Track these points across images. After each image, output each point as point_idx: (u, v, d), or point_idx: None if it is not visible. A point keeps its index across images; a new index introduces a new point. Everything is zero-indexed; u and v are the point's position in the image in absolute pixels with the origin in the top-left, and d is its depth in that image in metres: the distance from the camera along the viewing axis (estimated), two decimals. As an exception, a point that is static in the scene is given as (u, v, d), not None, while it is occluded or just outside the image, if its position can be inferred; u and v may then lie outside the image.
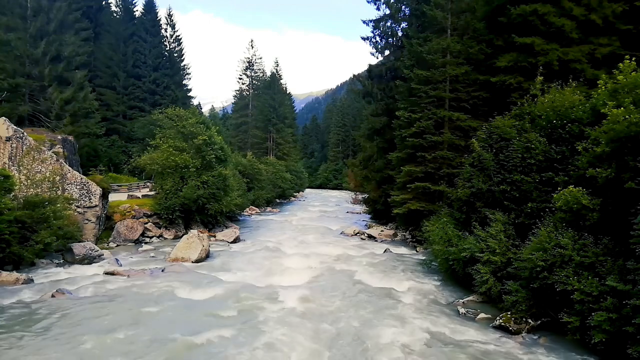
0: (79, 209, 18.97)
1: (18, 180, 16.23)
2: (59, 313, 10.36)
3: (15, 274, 13.06)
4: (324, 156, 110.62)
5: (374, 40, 29.90)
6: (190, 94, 53.58)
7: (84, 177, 20.06)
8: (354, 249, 21.14)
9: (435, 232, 15.26)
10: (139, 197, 26.24)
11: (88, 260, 16.17)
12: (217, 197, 24.72)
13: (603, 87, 10.55)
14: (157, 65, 46.57)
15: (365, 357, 8.62)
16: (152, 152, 24.94)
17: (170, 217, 23.02)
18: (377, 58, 31.05)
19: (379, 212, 30.38)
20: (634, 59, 10.24)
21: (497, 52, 18.48)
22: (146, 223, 22.52)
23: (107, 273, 14.44)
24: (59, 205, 16.49)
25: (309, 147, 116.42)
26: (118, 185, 30.71)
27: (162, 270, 15.19)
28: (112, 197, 23.72)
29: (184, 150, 24.29)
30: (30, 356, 8.10)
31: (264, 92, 66.64)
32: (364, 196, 36.83)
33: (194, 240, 17.75)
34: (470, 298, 12.50)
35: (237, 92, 71.89)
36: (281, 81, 72.14)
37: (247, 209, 37.58)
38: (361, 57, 48.36)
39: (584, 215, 9.71)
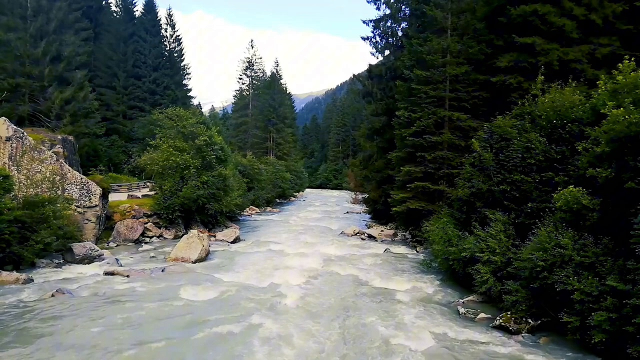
0: (79, 209, 18.96)
1: (18, 180, 16.23)
2: (59, 313, 10.36)
3: (15, 274, 13.05)
4: (324, 156, 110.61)
5: (374, 40, 29.91)
6: (190, 94, 53.57)
7: (84, 177, 20.06)
8: (354, 249, 21.14)
9: (435, 232, 15.27)
10: (139, 197, 26.24)
11: (88, 260, 16.17)
12: (217, 197, 24.73)
13: (603, 87, 10.55)
14: (157, 65, 46.52)
15: (365, 357, 8.62)
16: (152, 152, 24.95)
17: (170, 217, 23.02)
18: (377, 58, 31.08)
19: (379, 212, 30.38)
20: (633, 59, 10.23)
21: (497, 52, 18.47)
22: (146, 223, 22.52)
23: (107, 273, 14.43)
24: (58, 205, 16.49)
25: (309, 147, 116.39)
26: (118, 185, 30.70)
27: (162, 270, 15.18)
28: (112, 197, 23.73)
29: (184, 151, 24.29)
30: (30, 356, 8.09)
31: (264, 92, 66.63)
32: (364, 196, 36.84)
33: (194, 240, 17.75)
34: (470, 298, 12.51)
35: (237, 92, 71.90)
36: (281, 81, 72.18)
37: (247, 209, 37.58)
38: (361, 57, 48.42)
39: (584, 215, 9.71)
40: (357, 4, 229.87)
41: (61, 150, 21.52)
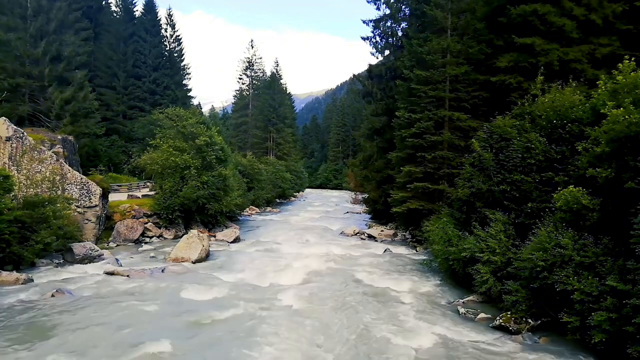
0: (79, 209, 18.96)
1: (18, 180, 16.22)
2: (59, 313, 10.37)
3: (15, 274, 13.06)
4: (324, 156, 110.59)
5: (374, 40, 29.94)
6: (190, 94, 53.54)
7: (84, 177, 20.06)
8: (353, 249, 21.14)
9: (435, 232, 15.27)
10: (139, 197, 26.24)
11: (88, 260, 16.17)
12: (217, 197, 24.74)
13: (603, 87, 10.55)
14: (157, 65, 46.50)
15: (365, 357, 8.62)
16: (152, 152, 24.96)
17: (170, 217, 23.02)
18: (377, 58, 31.13)
19: (379, 212, 30.39)
20: (633, 59, 10.23)
21: (497, 52, 18.47)
22: (146, 223, 22.52)
23: (107, 273, 14.43)
24: (58, 205, 16.49)
25: (309, 147, 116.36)
26: (118, 185, 30.70)
27: (162, 271, 15.18)
28: (112, 197, 23.73)
29: (184, 151, 24.30)
30: (30, 356, 8.10)
31: (264, 92, 66.62)
32: (364, 196, 36.86)
33: (194, 240, 17.75)
34: (470, 298, 12.51)
35: (237, 92, 71.91)
36: (281, 81, 72.14)
37: (247, 209, 37.58)
38: (361, 57, 48.53)
39: (584, 215, 9.71)
40: (357, 4, 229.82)
41: (61, 150, 21.52)
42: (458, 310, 11.63)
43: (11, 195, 15.27)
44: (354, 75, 39.46)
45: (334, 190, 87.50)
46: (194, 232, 18.61)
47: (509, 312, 10.44)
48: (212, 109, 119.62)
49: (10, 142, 17.95)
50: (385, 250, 20.58)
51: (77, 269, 15.11)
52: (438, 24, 21.94)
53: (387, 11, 29.33)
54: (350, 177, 47.32)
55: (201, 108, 68.42)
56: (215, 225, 26.08)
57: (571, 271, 9.08)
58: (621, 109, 9.14)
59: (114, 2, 48.84)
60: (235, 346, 8.86)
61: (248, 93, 70.10)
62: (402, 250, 21.15)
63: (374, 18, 29.58)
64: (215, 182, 24.65)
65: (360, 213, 39.96)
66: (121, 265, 15.94)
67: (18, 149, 18.02)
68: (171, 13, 50.86)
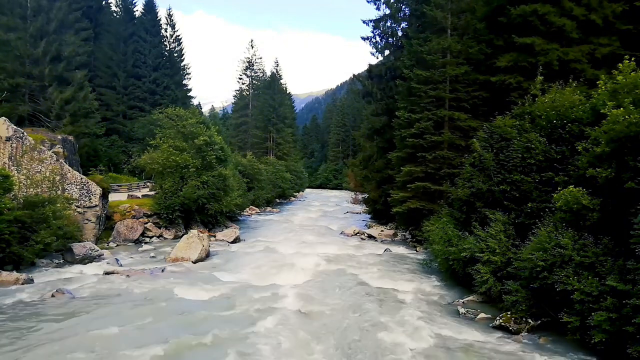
0: (79, 209, 18.96)
1: (18, 180, 16.23)
2: (59, 313, 10.37)
3: (15, 274, 13.05)
4: (324, 156, 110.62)
5: (374, 40, 29.94)
6: (190, 94, 53.56)
7: (84, 177, 20.06)
8: (353, 249, 21.15)
9: (435, 232, 15.27)
10: (139, 197, 26.25)
11: (88, 260, 16.18)
12: (217, 197, 24.75)
13: (603, 87, 10.55)
14: (157, 65, 46.50)
15: (365, 358, 8.62)
16: (152, 152, 24.97)
17: (170, 217, 23.03)
18: (377, 58, 31.12)
19: (379, 212, 30.39)
20: (633, 59, 10.23)
21: (497, 52, 18.46)
22: (146, 223, 22.52)
23: (107, 273, 14.44)
24: (58, 205, 16.49)
25: (309, 147, 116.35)
26: (118, 185, 30.71)
27: (162, 270, 15.19)
28: (112, 197, 23.73)
29: (184, 150, 24.31)
30: (30, 356, 8.09)
31: (264, 92, 66.61)
32: (364, 196, 36.86)
33: (193, 240, 17.75)
34: (470, 298, 12.51)
35: (237, 92, 71.89)
36: (281, 81, 72.09)
37: (247, 209, 37.58)
38: (361, 57, 48.53)
39: (584, 215, 9.71)
40: (357, 4, 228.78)
41: (61, 150, 21.51)
42: (458, 310, 11.64)
43: (11, 195, 15.27)
44: (354, 75, 39.49)
45: (334, 190, 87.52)
46: (194, 232, 18.61)
47: (509, 312, 10.44)
48: (212, 109, 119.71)
49: (10, 142, 17.95)
50: (385, 250, 20.58)
51: (77, 269, 15.11)
52: (438, 24, 21.94)
53: (387, 11, 29.33)
54: (350, 177, 47.33)
55: (201, 108, 68.46)
56: (215, 225, 26.09)
57: (571, 271, 9.08)
58: (621, 109, 9.15)
59: (114, 2, 48.87)
60: (235, 346, 8.86)
61: (248, 93, 70.09)
62: (402, 250, 21.16)
63: (374, 18, 29.60)
64: (215, 182, 24.66)
65: (360, 213, 39.95)
66: (121, 265, 15.95)
67: (18, 149, 18.02)
68: (171, 13, 50.93)
